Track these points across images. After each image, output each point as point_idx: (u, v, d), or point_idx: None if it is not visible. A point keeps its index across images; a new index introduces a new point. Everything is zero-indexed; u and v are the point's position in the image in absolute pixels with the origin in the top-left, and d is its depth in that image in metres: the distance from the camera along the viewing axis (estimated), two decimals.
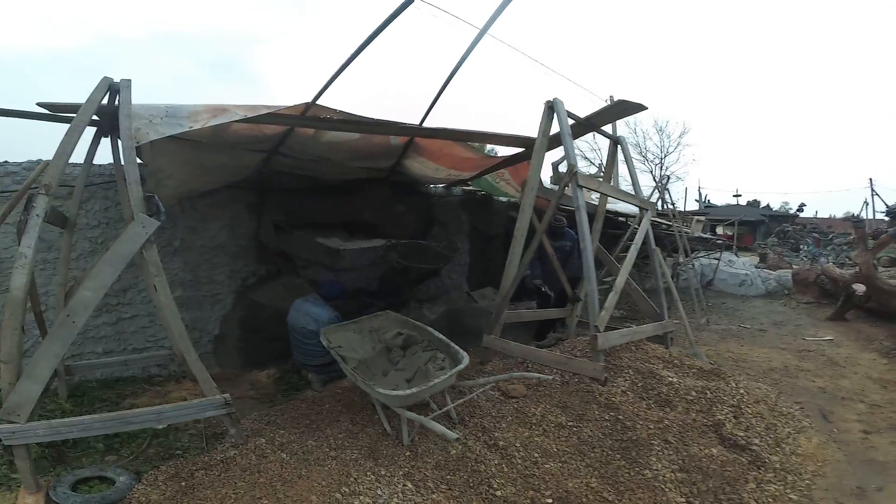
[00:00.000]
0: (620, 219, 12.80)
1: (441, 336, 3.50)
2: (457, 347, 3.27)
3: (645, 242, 4.77)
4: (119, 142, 3.81)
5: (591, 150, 29.11)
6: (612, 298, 4.12)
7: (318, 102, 3.45)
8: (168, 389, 4.73)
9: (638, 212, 5.48)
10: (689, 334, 5.94)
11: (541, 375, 3.59)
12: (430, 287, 5.94)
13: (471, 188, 8.29)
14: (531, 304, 7.82)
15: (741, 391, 4.20)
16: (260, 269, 5.49)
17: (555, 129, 4.26)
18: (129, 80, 2.97)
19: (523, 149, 5.10)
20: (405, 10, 3.02)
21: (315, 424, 3.56)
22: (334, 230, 5.88)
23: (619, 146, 5.02)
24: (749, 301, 11.43)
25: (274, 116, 3.41)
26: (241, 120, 3.32)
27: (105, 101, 3.02)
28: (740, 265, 13.91)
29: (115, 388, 4.53)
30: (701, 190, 32.42)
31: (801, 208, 37.70)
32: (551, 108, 4.18)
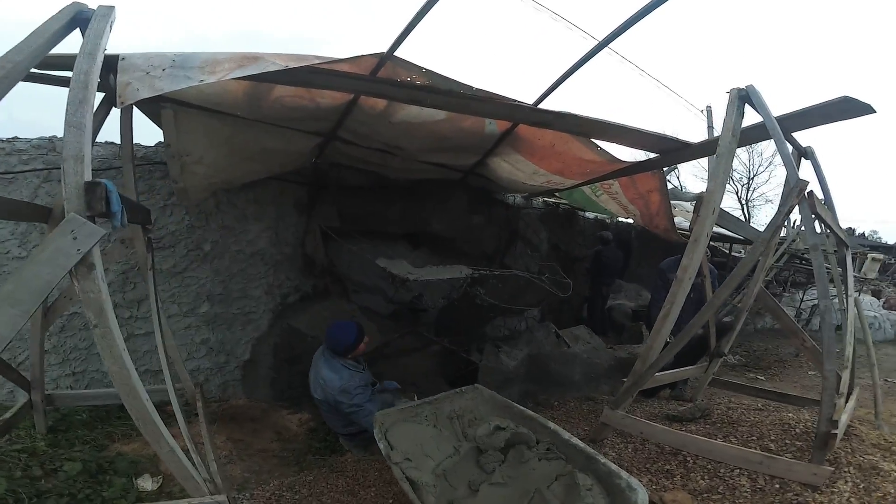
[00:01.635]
0: (720, 245, 10.91)
1: (578, 442, 2.18)
2: (617, 470, 1.92)
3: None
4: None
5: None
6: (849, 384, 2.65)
7: (396, 54, 2.30)
8: (173, 432, 3.73)
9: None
10: (878, 401, 4.22)
11: None
12: (506, 323, 4.63)
13: (554, 200, 6.96)
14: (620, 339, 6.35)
15: None
16: (305, 284, 4.44)
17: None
18: (111, 8, 1.93)
19: (658, 154, 3.72)
20: None
21: None
22: (396, 242, 4.74)
23: (804, 159, 3.49)
24: (878, 348, 9.15)
25: (330, 76, 2.30)
26: (282, 78, 2.25)
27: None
28: (867, 305, 11.44)
29: (109, 423, 3.57)
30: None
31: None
32: (744, 97, 2.80)
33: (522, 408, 2.62)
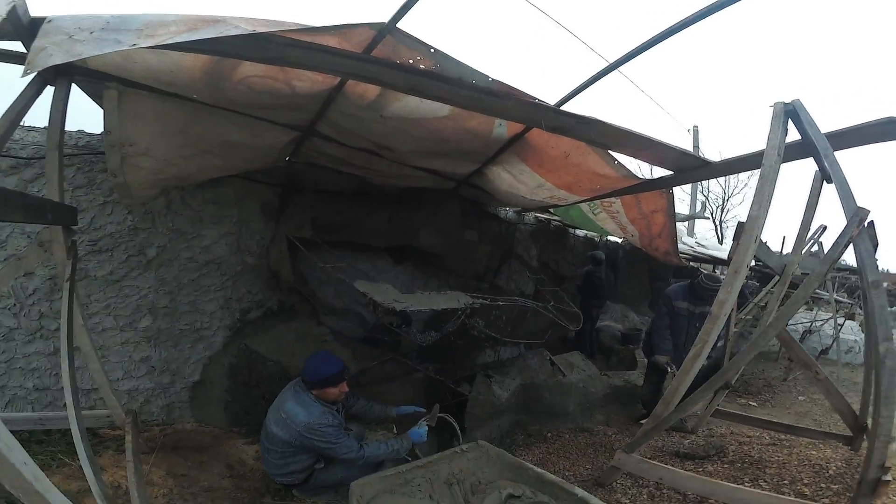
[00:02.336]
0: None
1: None
2: None
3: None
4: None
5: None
6: None
7: (399, 26, 1.81)
8: (102, 463, 3.09)
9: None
10: None
11: None
12: (497, 350, 4.15)
13: (546, 216, 6.57)
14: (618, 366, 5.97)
15: None
16: (269, 299, 3.85)
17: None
18: None
19: (672, 172, 3.34)
20: None
21: None
22: (377, 257, 4.22)
23: (827, 183, 3.17)
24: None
25: (311, 52, 1.78)
26: (249, 51, 1.72)
27: None
28: (847, 329, 11.47)
29: (32, 451, 2.93)
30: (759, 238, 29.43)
31: None
32: (790, 112, 2.45)
33: (540, 470, 2.14)
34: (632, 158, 3.11)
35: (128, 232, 3.33)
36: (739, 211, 29.59)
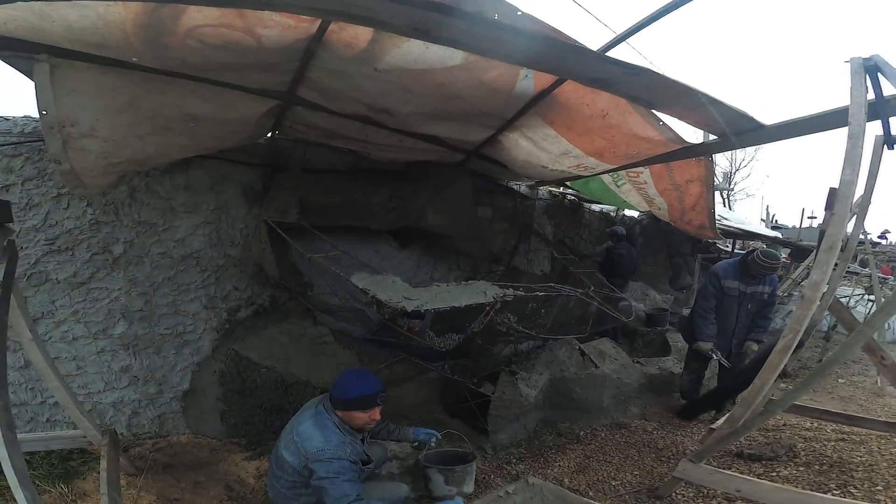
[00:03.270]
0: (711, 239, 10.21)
1: None
2: None
3: None
4: None
5: None
6: None
7: None
8: (78, 489, 2.73)
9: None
10: None
11: None
12: (514, 343, 3.69)
13: (559, 190, 6.02)
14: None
15: None
16: (259, 295, 3.40)
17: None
18: None
19: (718, 137, 2.78)
20: None
21: None
22: (379, 241, 3.73)
23: (889, 149, 2.61)
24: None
25: None
26: None
27: None
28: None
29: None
30: (769, 209, 28.35)
31: (883, 235, 33.04)
32: (872, 68, 1.93)
33: None
34: (672, 120, 2.58)
35: (89, 227, 2.88)
36: (747, 184, 28.66)
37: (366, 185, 3.35)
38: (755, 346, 3.86)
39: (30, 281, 2.82)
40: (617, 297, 3.05)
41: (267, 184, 3.23)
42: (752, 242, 11.79)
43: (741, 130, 2.61)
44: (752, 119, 2.59)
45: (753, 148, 26.26)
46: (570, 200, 6.29)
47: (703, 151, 3.08)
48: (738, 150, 28.02)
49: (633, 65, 1.85)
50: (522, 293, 2.45)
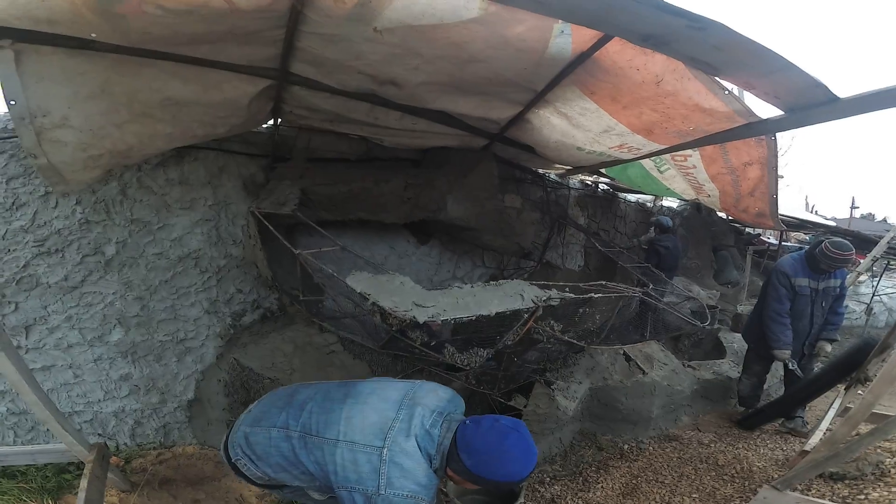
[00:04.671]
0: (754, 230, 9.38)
1: None
2: None
3: None
4: None
5: None
6: None
7: None
8: None
9: None
10: None
11: None
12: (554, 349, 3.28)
13: (591, 178, 5.53)
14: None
15: None
16: (266, 298, 3.13)
17: None
18: None
19: (785, 113, 2.25)
20: None
21: None
22: (396, 235, 3.39)
23: None
24: None
25: None
26: None
27: None
28: None
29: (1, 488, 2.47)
30: (808, 199, 26.14)
31: None
32: None
33: None
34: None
35: (79, 227, 2.65)
36: (784, 172, 26.88)
37: (377, 174, 3.00)
38: (828, 347, 3.44)
39: (20, 285, 2.62)
40: (687, 296, 2.59)
41: (269, 176, 2.93)
42: (793, 234, 10.88)
43: (813, 103, 2.11)
44: (826, 90, 2.07)
45: (790, 134, 24.38)
46: (602, 190, 5.80)
47: (768, 129, 2.55)
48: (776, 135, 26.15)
49: (698, 16, 1.42)
50: (572, 295, 2.03)
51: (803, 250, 3.48)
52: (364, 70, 2.02)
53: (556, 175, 4.82)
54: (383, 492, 1.33)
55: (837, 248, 3.13)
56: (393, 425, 1.42)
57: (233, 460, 1.72)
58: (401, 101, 2.44)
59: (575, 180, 5.28)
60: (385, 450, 1.37)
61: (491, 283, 2.09)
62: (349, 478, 1.39)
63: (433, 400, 1.54)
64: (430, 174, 3.17)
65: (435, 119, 2.81)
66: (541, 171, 4.56)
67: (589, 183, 5.55)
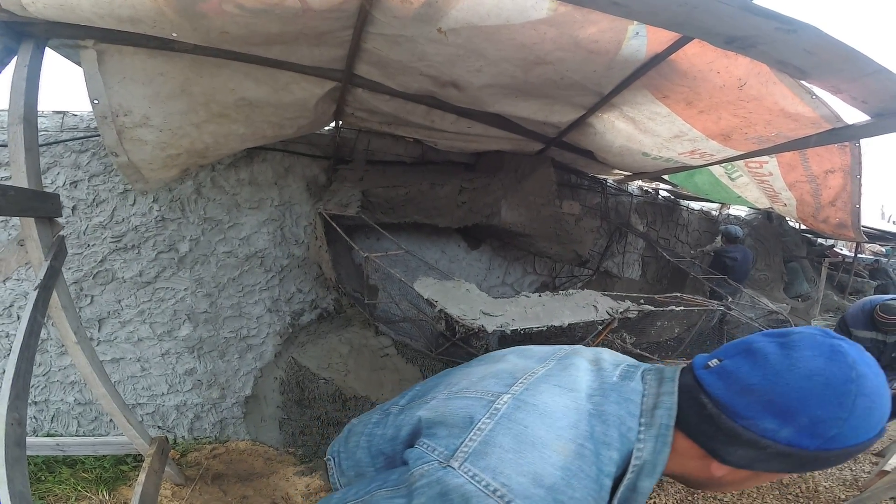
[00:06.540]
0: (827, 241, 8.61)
1: None
2: None
3: None
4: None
5: None
6: None
7: None
8: (119, 496, 2.69)
9: None
10: None
11: None
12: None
13: (652, 186, 5.28)
14: None
15: None
16: (323, 299, 3.20)
17: None
18: None
19: (871, 118, 2.02)
20: None
21: None
22: (448, 239, 3.37)
23: None
24: None
25: None
26: None
27: None
28: None
29: (61, 476, 2.63)
30: (883, 208, 23.03)
31: None
32: None
33: None
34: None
35: (155, 224, 2.81)
36: None
37: (433, 177, 3.00)
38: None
39: (96, 279, 2.81)
40: (770, 310, 2.39)
41: (331, 177, 3.00)
42: (867, 245, 9.94)
43: None
44: None
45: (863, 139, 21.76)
46: (664, 197, 5.53)
47: (854, 135, 2.32)
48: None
49: (790, 18, 1.31)
50: (651, 307, 1.91)
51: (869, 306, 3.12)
52: (426, 72, 2.02)
53: (615, 181, 4.65)
54: (455, 465, 0.64)
55: (886, 313, 2.83)
56: (535, 371, 0.80)
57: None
58: (461, 104, 2.43)
59: (633, 186, 5.08)
60: (507, 396, 0.73)
61: (560, 292, 2.02)
62: (422, 439, 0.74)
63: (609, 354, 0.90)
64: (485, 179, 3.14)
65: (491, 123, 2.78)
66: (599, 176, 4.42)
67: (649, 190, 5.32)
